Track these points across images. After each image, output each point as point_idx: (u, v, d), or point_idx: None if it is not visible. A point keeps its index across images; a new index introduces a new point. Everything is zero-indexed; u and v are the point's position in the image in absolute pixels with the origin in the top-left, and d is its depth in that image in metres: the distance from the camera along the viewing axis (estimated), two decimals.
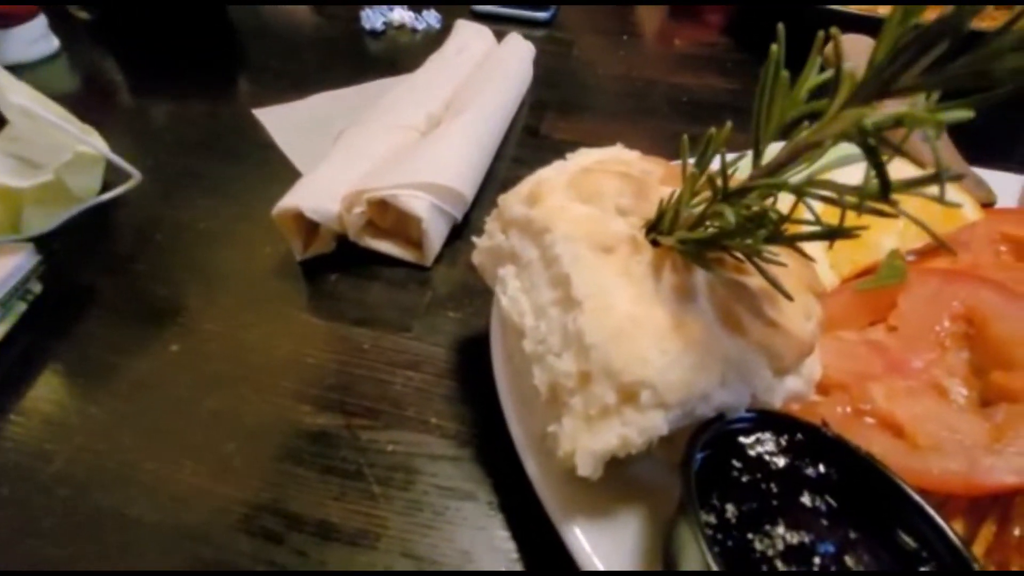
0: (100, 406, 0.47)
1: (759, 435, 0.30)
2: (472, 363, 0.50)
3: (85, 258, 0.59)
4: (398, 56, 0.98)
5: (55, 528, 0.39)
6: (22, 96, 0.54)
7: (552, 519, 0.33)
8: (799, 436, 0.30)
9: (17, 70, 0.73)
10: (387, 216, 0.59)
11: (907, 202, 0.50)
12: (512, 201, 0.36)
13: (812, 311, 0.34)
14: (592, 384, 0.28)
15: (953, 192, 0.50)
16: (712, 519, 0.27)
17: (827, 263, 0.47)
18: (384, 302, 0.56)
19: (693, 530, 0.26)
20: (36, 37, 0.90)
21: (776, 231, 0.28)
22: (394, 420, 0.47)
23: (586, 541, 0.32)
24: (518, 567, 0.38)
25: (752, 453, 0.29)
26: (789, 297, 0.30)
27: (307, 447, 0.45)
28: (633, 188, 0.34)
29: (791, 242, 0.29)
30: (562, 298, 0.31)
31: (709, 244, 0.30)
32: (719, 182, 0.28)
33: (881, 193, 0.23)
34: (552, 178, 0.35)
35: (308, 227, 0.58)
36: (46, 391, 0.48)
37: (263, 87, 0.88)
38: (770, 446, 0.30)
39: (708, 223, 0.31)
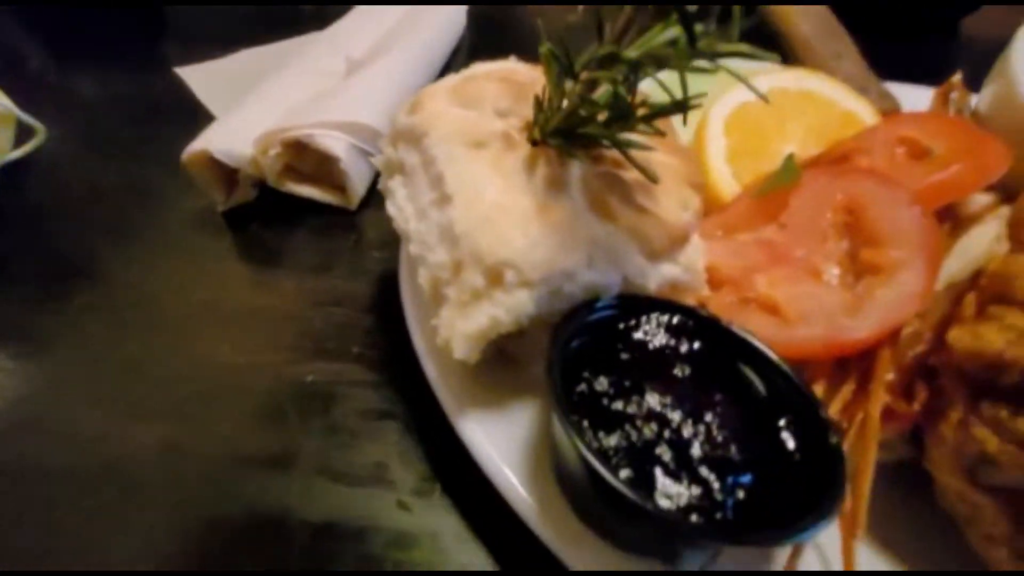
0: (4, 364, 0.46)
1: (630, 316, 0.31)
2: (396, 297, 0.51)
3: None
4: (334, 15, 0.96)
5: None
6: None
7: (449, 416, 0.34)
8: (670, 316, 0.31)
9: None
10: (307, 159, 0.58)
11: (806, 110, 0.51)
12: (399, 114, 0.36)
13: (689, 202, 0.35)
14: (463, 271, 0.29)
15: (854, 100, 0.52)
16: (584, 388, 0.28)
17: (729, 173, 0.48)
18: (308, 246, 0.56)
19: (557, 404, 0.27)
20: None
21: (629, 111, 0.29)
22: (314, 353, 0.47)
23: (481, 432, 0.33)
24: (428, 476, 0.39)
25: (623, 332, 0.31)
26: (654, 180, 0.30)
27: (223, 383, 0.45)
28: (513, 91, 0.35)
29: (646, 120, 0.29)
30: (439, 197, 0.31)
31: (574, 134, 0.31)
32: (565, 60, 0.28)
33: (689, 44, 0.24)
34: (434, 87, 0.35)
35: (227, 176, 0.57)
36: None
37: (189, 49, 0.85)
38: (642, 326, 0.31)
39: (579, 113, 0.31)
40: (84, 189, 0.61)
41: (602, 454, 0.26)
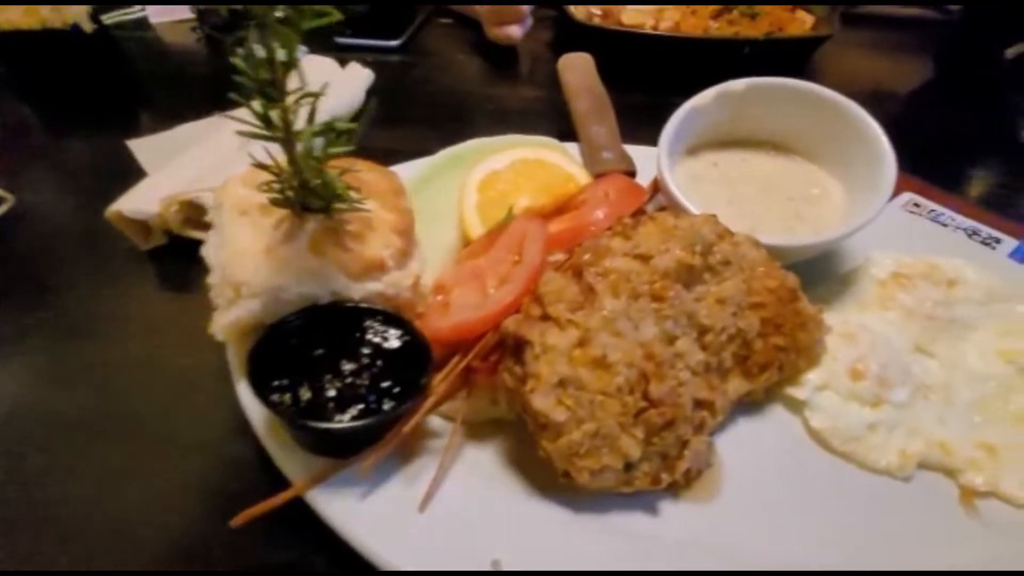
0: None
1: (308, 323, 0.50)
2: None
3: None
4: None
5: None
6: None
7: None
8: (342, 316, 0.51)
9: None
10: (203, 212, 0.79)
11: (540, 173, 0.72)
12: (216, 191, 0.57)
13: (390, 243, 0.55)
14: (221, 287, 0.49)
15: (575, 166, 0.72)
16: (277, 398, 0.46)
17: (478, 220, 0.68)
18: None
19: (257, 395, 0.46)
20: None
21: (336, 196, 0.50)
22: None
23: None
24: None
25: (300, 335, 0.50)
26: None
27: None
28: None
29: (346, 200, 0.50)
30: (219, 244, 0.52)
31: (308, 202, 0.51)
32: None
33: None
34: (236, 174, 0.56)
35: (143, 226, 0.78)
36: None
37: (150, 120, 1.08)
38: (316, 328, 0.50)
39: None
40: (47, 235, 0.83)
41: (286, 407, 0.46)
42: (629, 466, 0.45)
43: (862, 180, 0.64)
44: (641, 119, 0.90)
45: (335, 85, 1.07)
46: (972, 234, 0.83)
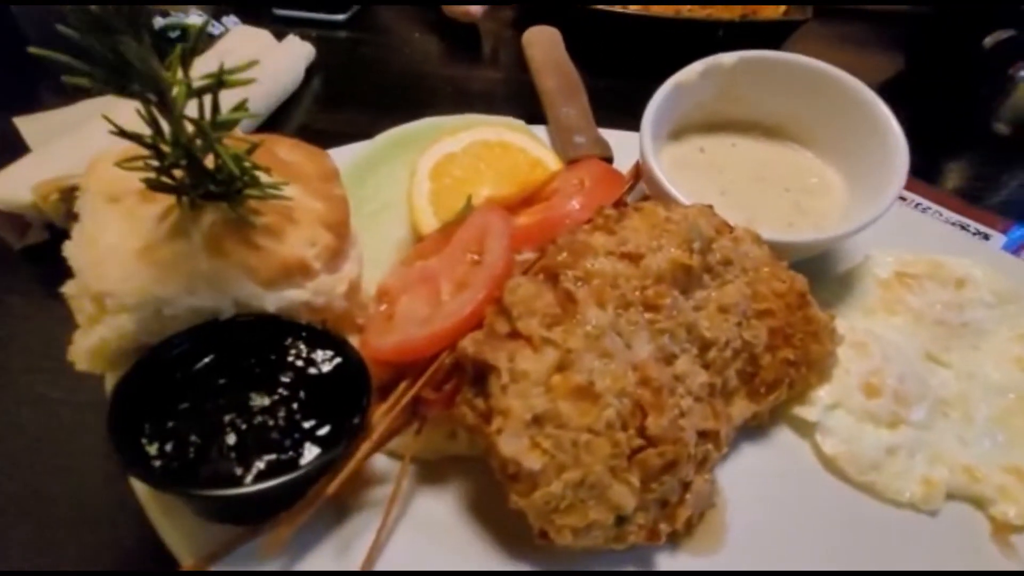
0: None
1: (203, 344, 0.38)
2: None
3: None
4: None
5: None
6: None
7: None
8: (250, 335, 0.40)
9: None
10: None
11: (503, 158, 0.61)
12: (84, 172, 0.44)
13: (318, 240, 0.43)
14: (79, 300, 0.37)
15: (542, 150, 0.63)
16: (154, 450, 0.34)
17: (431, 212, 0.58)
18: None
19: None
20: None
21: (243, 180, 0.38)
22: None
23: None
24: None
25: (191, 361, 0.38)
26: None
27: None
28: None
29: (253, 185, 0.38)
30: (83, 242, 0.39)
31: (209, 189, 0.39)
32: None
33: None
34: (108, 150, 0.43)
35: (19, 220, 0.63)
36: None
37: (44, 97, 0.91)
38: (214, 350, 0.39)
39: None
40: None
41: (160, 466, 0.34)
42: (622, 519, 0.36)
43: (867, 168, 0.57)
44: (610, 104, 0.81)
45: (268, 60, 0.94)
46: (962, 228, 0.79)
